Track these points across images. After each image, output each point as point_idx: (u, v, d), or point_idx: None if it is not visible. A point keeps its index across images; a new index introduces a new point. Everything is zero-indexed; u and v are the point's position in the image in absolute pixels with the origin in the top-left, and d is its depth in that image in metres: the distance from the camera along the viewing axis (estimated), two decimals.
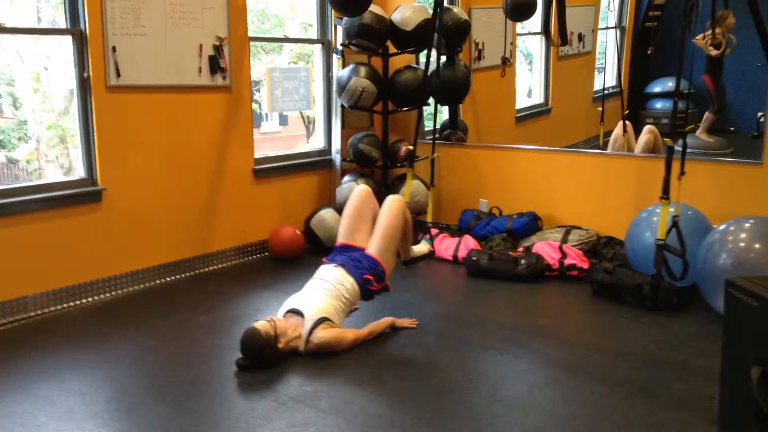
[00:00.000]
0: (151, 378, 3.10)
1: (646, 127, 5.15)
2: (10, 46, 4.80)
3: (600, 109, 5.87)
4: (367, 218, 3.69)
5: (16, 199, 3.75)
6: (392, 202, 3.68)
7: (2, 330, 3.65)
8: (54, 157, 5.38)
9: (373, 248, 3.58)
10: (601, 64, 6.72)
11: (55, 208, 3.89)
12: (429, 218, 4.66)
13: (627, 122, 5.40)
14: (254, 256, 4.99)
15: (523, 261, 4.38)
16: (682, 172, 3.58)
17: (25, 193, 3.83)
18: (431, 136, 5.11)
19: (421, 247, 4.11)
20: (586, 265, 4.34)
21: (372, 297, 3.54)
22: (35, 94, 5.47)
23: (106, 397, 2.91)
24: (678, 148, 3.61)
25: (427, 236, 4.44)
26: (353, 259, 3.52)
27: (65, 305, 3.96)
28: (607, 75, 6.62)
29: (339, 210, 5.07)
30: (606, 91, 6.19)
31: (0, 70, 5.10)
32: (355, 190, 3.78)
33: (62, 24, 3.97)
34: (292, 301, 3.40)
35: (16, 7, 3.89)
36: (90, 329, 3.67)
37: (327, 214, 5.03)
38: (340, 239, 3.71)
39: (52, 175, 5.43)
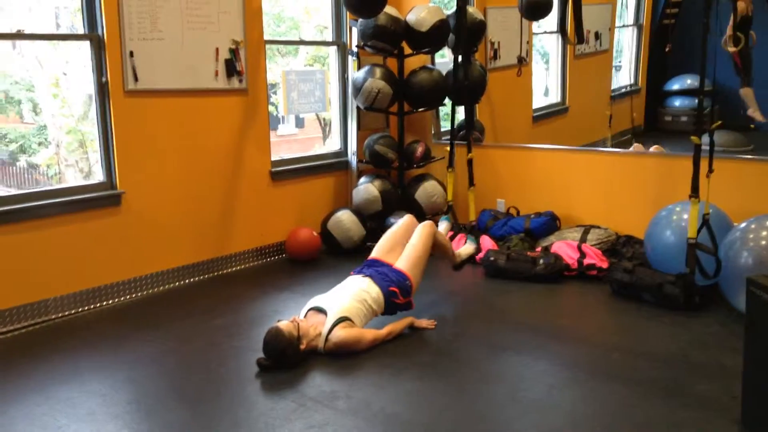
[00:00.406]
0: (171, 379, 3.12)
1: (653, 147, 5.14)
2: (29, 52, 4.85)
3: (609, 113, 5.84)
4: (401, 242, 3.79)
5: (36, 203, 3.80)
6: (422, 226, 3.81)
7: (24, 333, 3.69)
8: (74, 161, 5.43)
9: (401, 264, 3.66)
10: (619, 62, 6.67)
11: (74, 212, 3.93)
12: (471, 216, 4.59)
13: (636, 144, 5.39)
14: (272, 258, 5.01)
15: (541, 261, 4.36)
16: (711, 170, 3.54)
17: (45, 197, 3.87)
18: (447, 137, 5.11)
19: (467, 248, 4.19)
20: (605, 265, 4.30)
21: (395, 311, 3.55)
22: (54, 100, 5.53)
23: (126, 399, 2.93)
24: (705, 147, 3.57)
25: (471, 236, 4.44)
26: (381, 272, 3.58)
27: (85, 308, 4.00)
28: (624, 73, 6.58)
29: (355, 211, 5.08)
30: (623, 89, 6.15)
31: (20, 76, 5.16)
32: (404, 217, 3.94)
33: (80, 30, 4.01)
34: (316, 300, 3.43)
35: (35, 14, 3.94)
36: (109, 332, 3.70)
37: (344, 215, 5.04)
38: (372, 255, 3.79)
39: (72, 179, 5.49)
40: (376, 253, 3.79)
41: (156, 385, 3.06)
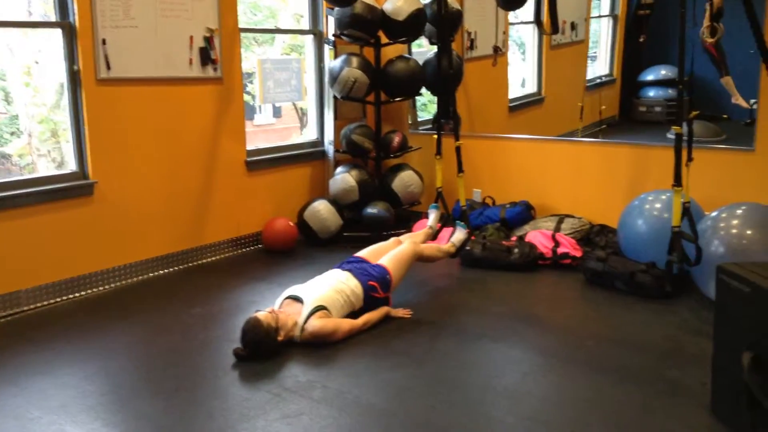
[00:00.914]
0: (145, 371, 3.10)
1: None
2: (0, 40, 4.77)
3: (581, 104, 5.87)
4: (386, 253, 3.81)
5: (8, 194, 3.74)
6: (409, 241, 3.93)
7: None
8: (46, 151, 5.35)
9: (383, 261, 3.69)
10: (594, 53, 6.71)
11: (47, 201, 3.88)
12: (462, 202, 4.59)
13: None
14: (248, 248, 4.99)
15: (516, 250, 4.39)
16: (690, 159, 3.58)
17: (17, 187, 3.81)
18: (425, 127, 5.10)
19: (459, 235, 4.17)
20: (579, 254, 4.35)
21: (374, 306, 3.55)
22: (26, 88, 5.45)
23: (99, 390, 2.91)
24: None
25: (460, 222, 4.42)
26: (361, 267, 3.61)
27: (58, 299, 3.95)
28: (599, 64, 6.62)
29: (332, 201, 5.07)
30: (599, 80, 6.18)
31: None
32: (391, 239, 4.03)
33: (52, 17, 3.95)
34: (293, 289, 3.43)
35: (5, 1, 3.88)
36: (83, 323, 3.66)
37: (320, 205, 5.03)
38: (355, 254, 3.81)
39: (45, 169, 5.41)
40: (359, 254, 3.81)
41: (130, 377, 3.04)
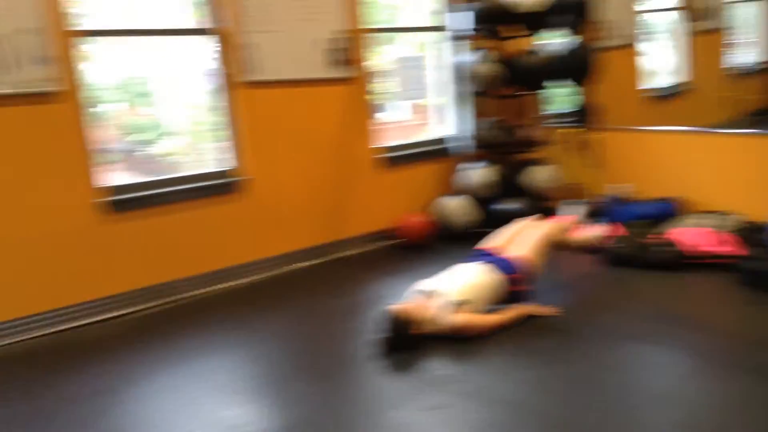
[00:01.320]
0: (293, 357, 3.24)
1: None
2: (157, 45, 5.15)
3: (732, 93, 5.48)
4: (520, 240, 3.73)
5: (166, 190, 4.05)
6: (545, 224, 3.84)
7: (155, 311, 3.95)
8: (200, 150, 5.70)
9: (522, 251, 3.60)
10: (742, 38, 6.27)
11: (201, 197, 4.16)
12: (603, 196, 4.45)
13: None
14: (384, 243, 5.08)
15: (662, 248, 4.18)
16: None
17: (174, 183, 4.12)
18: (560, 120, 4.98)
19: (599, 231, 4.10)
20: (733, 252, 4.08)
21: (516, 300, 3.49)
22: (180, 91, 5.82)
23: (249, 374, 3.08)
24: None
25: (598, 219, 4.29)
26: (500, 260, 3.54)
27: (211, 288, 4.22)
28: (748, 50, 6.17)
29: (465, 197, 5.06)
30: (754, 67, 5.75)
31: (148, 70, 5.47)
32: (521, 221, 3.95)
33: (203, 24, 4.21)
34: (432, 283, 3.42)
35: (159, 9, 4.20)
36: (233, 311, 3.89)
37: (453, 201, 5.04)
38: (488, 245, 3.76)
39: (199, 167, 5.76)
40: (492, 243, 3.76)
41: (279, 362, 3.20)
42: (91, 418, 2.76)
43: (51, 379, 3.14)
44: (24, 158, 3.58)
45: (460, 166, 5.35)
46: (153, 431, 2.65)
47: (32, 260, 3.63)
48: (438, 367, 3.03)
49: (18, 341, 3.59)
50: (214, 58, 4.22)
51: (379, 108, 5.03)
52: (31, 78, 3.51)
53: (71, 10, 3.67)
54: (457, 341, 3.22)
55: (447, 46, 5.41)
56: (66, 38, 3.63)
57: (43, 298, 3.67)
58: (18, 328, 3.60)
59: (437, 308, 3.26)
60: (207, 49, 4.25)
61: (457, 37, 5.29)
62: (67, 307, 3.74)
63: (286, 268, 4.54)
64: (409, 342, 3.16)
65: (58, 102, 3.62)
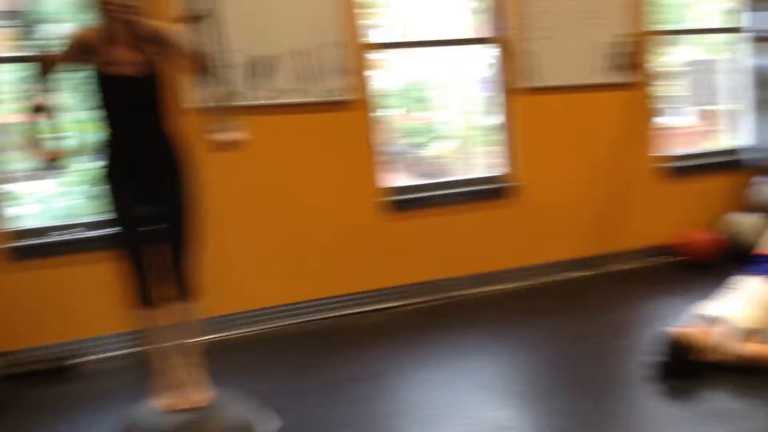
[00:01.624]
0: (558, 369, 3.18)
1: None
2: (438, 54, 5.41)
3: None
4: None
5: (442, 192, 4.25)
6: None
7: (422, 307, 4.16)
8: (470, 154, 5.86)
9: None
10: None
11: (474, 201, 4.29)
12: None
13: None
14: (662, 259, 4.74)
15: None
16: None
17: (449, 187, 4.31)
18: None
19: None
20: None
21: None
22: (455, 97, 6.03)
23: (514, 379, 3.10)
24: None
25: None
26: None
27: (477, 290, 4.32)
28: None
29: (762, 214, 4.52)
30: None
31: (430, 77, 5.76)
32: None
33: (484, 33, 4.32)
34: (717, 307, 3.12)
35: (439, 20, 4.43)
36: (498, 314, 3.94)
37: (746, 218, 4.53)
38: (764, 249, 3.34)
39: (468, 171, 5.92)
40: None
41: (543, 372, 3.16)
42: (372, 397, 2.97)
43: (326, 358, 3.46)
44: (321, 160, 4.01)
45: (756, 179, 4.80)
46: (426, 417, 2.76)
47: (322, 251, 4.05)
48: (719, 399, 2.75)
49: (300, 322, 4.01)
50: (491, 65, 4.31)
51: (663, 113, 4.72)
52: (331, 87, 3.91)
53: (366, 24, 4.01)
54: (743, 373, 2.89)
55: (745, 48, 4.89)
56: (361, 50, 3.98)
57: (325, 285, 4.06)
58: (302, 311, 4.03)
59: (722, 335, 2.96)
60: (484, 57, 4.36)
61: (759, 39, 4.75)
62: (345, 296, 4.10)
63: (553, 277, 4.47)
64: (688, 368, 2.91)
65: (351, 110, 3.99)
